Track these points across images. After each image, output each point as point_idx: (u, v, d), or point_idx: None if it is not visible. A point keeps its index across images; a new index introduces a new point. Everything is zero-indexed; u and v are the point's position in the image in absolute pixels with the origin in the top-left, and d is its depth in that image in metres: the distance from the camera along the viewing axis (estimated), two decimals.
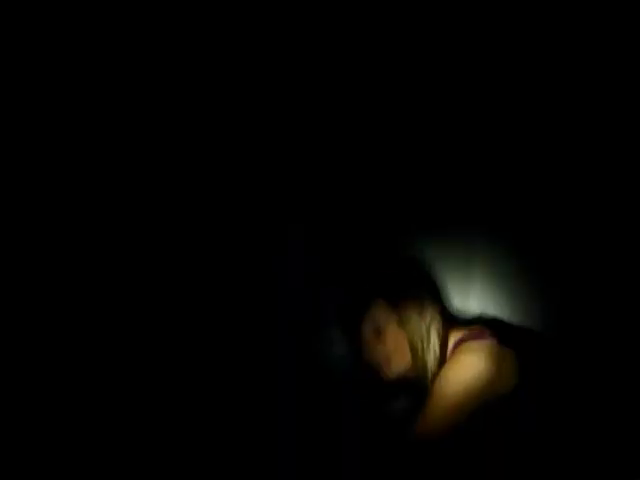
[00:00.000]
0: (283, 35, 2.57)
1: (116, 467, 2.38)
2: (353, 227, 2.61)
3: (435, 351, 2.21)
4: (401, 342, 2.22)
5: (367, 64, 2.58)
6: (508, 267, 2.55)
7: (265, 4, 2.55)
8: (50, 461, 2.36)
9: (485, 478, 2.14)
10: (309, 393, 2.52)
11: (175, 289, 2.52)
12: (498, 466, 2.13)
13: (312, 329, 2.55)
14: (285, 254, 2.57)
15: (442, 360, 2.21)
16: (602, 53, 2.48)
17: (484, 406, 2.09)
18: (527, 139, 2.56)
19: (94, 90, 2.53)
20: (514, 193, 2.56)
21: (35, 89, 2.51)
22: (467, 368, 2.09)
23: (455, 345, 2.22)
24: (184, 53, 2.56)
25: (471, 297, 2.55)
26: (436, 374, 2.18)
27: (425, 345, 2.21)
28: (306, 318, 2.55)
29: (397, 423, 2.38)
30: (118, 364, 2.47)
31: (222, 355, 2.52)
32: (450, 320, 2.34)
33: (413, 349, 2.21)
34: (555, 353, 2.45)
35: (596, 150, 2.51)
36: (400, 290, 2.29)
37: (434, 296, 2.35)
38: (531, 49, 2.52)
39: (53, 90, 2.52)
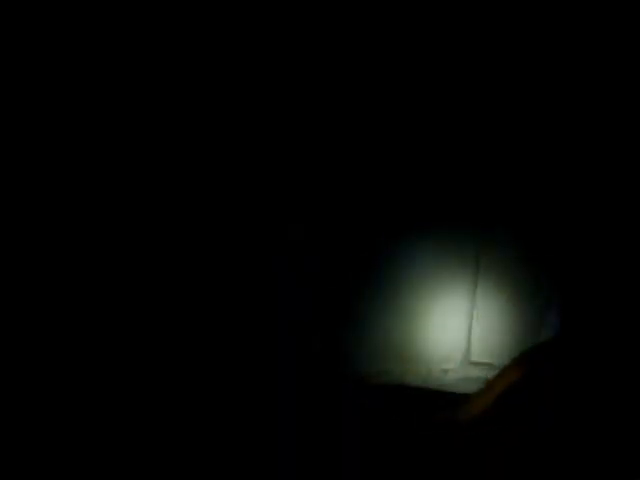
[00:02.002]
0: (283, 35, 2.57)
1: (116, 467, 2.38)
2: (354, 226, 2.61)
3: None
4: None
5: (367, 65, 2.58)
6: (518, 268, 2.55)
7: (265, 4, 2.55)
8: (50, 461, 2.36)
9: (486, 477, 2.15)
10: (309, 393, 2.51)
11: (175, 289, 2.52)
12: (499, 465, 2.14)
13: (312, 329, 2.55)
14: (285, 254, 2.57)
15: None
16: (602, 53, 2.49)
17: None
18: (535, 139, 2.56)
19: (94, 90, 2.53)
20: (522, 194, 2.56)
21: (35, 89, 2.51)
22: None
23: None
24: (184, 53, 2.56)
25: (477, 295, 2.55)
26: None
27: None
28: (306, 318, 2.55)
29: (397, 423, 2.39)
30: (118, 364, 2.46)
31: (222, 355, 2.52)
32: None
33: None
34: (561, 353, 2.45)
35: (602, 150, 2.51)
36: None
37: None
38: (531, 49, 2.52)
39: (53, 90, 2.52)
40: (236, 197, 2.59)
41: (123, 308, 2.49)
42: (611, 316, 2.42)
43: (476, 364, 2.52)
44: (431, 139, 2.61)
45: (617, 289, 2.46)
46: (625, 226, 2.48)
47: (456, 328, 2.59)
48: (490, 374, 2.44)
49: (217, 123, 2.60)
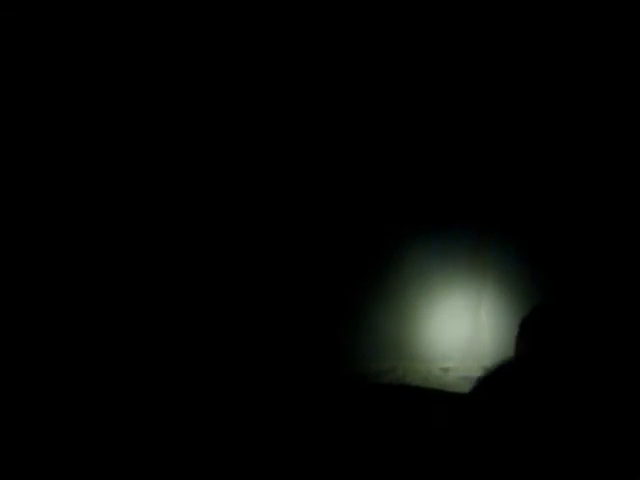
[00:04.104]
0: (283, 36, 2.57)
1: (116, 467, 2.38)
2: (356, 225, 2.60)
3: None
4: None
5: (370, 68, 2.58)
6: (521, 266, 2.54)
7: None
8: (50, 461, 2.36)
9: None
10: (309, 393, 2.51)
11: (175, 289, 2.52)
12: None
13: (312, 329, 2.55)
14: (291, 252, 2.57)
15: None
16: (602, 53, 2.48)
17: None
18: (540, 140, 2.55)
19: (103, 92, 2.53)
20: (528, 194, 2.55)
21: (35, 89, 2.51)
22: None
23: None
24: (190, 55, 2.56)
25: (484, 295, 2.54)
26: None
27: None
28: (306, 317, 2.55)
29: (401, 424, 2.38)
30: (119, 364, 2.46)
31: (222, 355, 2.52)
32: None
33: None
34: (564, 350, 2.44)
35: (607, 151, 2.51)
36: None
37: None
38: (531, 50, 2.52)
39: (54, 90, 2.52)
40: (236, 197, 2.59)
41: (123, 308, 2.50)
42: (610, 311, 2.42)
43: (478, 363, 2.51)
44: (438, 139, 2.61)
45: (615, 286, 2.45)
46: (624, 224, 2.48)
47: (458, 327, 2.58)
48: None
49: (216, 125, 2.60)
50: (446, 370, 2.55)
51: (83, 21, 2.52)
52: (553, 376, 2.13)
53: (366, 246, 2.61)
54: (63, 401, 2.42)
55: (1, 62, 2.48)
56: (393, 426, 2.38)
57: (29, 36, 2.49)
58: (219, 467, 2.41)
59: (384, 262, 2.60)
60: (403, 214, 2.61)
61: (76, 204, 2.52)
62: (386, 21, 2.57)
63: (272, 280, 2.58)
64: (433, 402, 2.46)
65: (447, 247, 2.58)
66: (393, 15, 2.56)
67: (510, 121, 2.58)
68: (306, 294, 2.57)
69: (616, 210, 2.51)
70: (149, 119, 2.57)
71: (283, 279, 2.58)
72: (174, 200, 2.57)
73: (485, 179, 2.60)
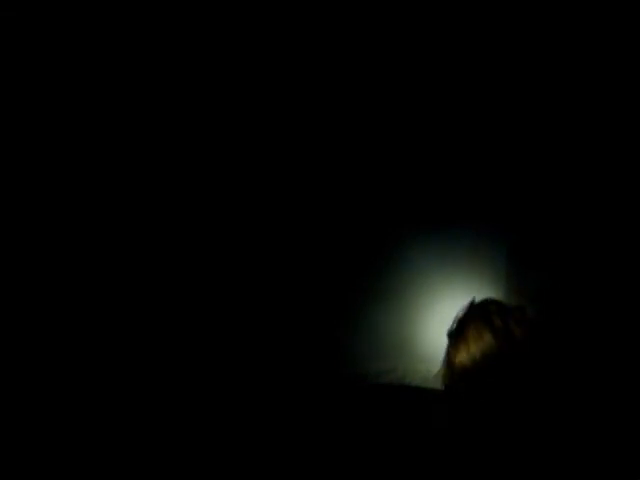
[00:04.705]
0: (283, 36, 2.57)
1: (116, 467, 2.38)
2: (355, 225, 2.61)
3: None
4: None
5: (376, 69, 2.58)
6: (520, 266, 2.55)
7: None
8: (50, 461, 2.36)
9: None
10: (309, 393, 2.51)
11: (175, 290, 2.52)
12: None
13: (312, 329, 2.55)
14: (291, 252, 2.57)
15: None
16: (602, 53, 2.49)
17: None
18: (539, 141, 2.56)
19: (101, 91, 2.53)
20: (527, 194, 2.56)
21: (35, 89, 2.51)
22: None
23: None
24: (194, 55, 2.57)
25: (483, 294, 2.54)
26: None
27: None
28: (306, 318, 2.55)
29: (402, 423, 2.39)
30: (118, 364, 2.47)
31: (223, 355, 2.52)
32: None
33: None
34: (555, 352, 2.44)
35: (606, 152, 2.51)
36: None
37: None
38: (534, 49, 2.52)
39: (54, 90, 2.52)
40: (235, 197, 2.60)
41: (124, 308, 2.50)
42: (605, 312, 2.42)
43: None
44: (438, 140, 2.62)
45: (614, 285, 2.45)
46: (623, 225, 2.48)
47: None
48: None
49: (218, 125, 2.60)
50: None
51: (83, 21, 2.53)
52: (548, 375, 2.13)
53: (366, 246, 2.61)
54: (63, 401, 2.42)
55: (1, 62, 2.48)
56: (393, 426, 2.38)
57: (29, 36, 2.50)
58: (219, 467, 2.41)
59: (384, 262, 2.61)
60: (403, 214, 2.62)
61: (76, 204, 2.53)
62: (386, 21, 2.57)
63: (272, 280, 2.58)
64: (433, 402, 2.46)
65: (447, 247, 2.58)
66: (393, 15, 2.57)
67: (509, 122, 2.59)
68: (306, 294, 2.58)
69: (615, 211, 2.51)
70: (149, 119, 2.57)
71: (283, 279, 2.58)
72: (174, 200, 2.58)
73: (484, 179, 2.61)
